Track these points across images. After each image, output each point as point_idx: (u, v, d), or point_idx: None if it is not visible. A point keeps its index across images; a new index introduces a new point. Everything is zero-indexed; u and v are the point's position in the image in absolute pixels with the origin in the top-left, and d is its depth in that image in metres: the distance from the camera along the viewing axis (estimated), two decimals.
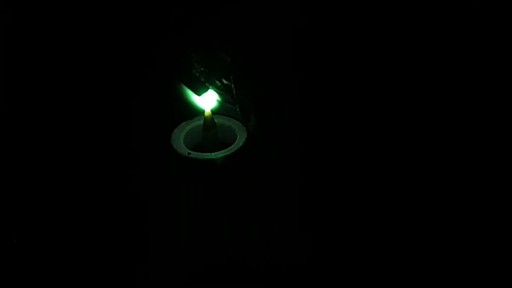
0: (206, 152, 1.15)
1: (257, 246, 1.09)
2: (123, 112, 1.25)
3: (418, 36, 1.24)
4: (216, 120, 1.18)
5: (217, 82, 1.19)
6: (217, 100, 1.20)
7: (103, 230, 1.12)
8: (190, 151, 1.14)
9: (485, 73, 1.24)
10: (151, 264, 1.08)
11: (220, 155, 1.13)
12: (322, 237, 1.11)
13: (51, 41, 1.29)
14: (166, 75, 1.23)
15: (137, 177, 1.17)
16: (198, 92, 1.19)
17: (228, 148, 1.14)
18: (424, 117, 1.23)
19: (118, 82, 1.27)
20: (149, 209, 1.14)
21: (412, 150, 1.20)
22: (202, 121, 1.18)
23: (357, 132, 1.22)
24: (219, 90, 1.20)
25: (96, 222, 1.13)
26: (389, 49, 1.24)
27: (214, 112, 1.18)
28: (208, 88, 1.19)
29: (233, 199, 1.13)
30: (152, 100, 1.25)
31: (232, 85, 1.16)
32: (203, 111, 1.17)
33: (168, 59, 1.23)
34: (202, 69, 1.19)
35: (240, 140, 1.16)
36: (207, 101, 1.18)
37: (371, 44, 1.24)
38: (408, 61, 1.24)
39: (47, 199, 1.17)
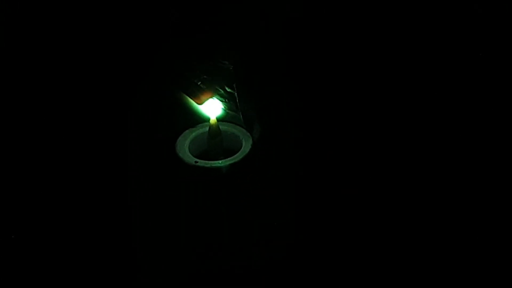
0: (211, 159, 1.15)
1: (257, 246, 1.10)
2: (124, 121, 1.25)
3: (418, 36, 1.24)
4: (220, 127, 1.18)
5: (221, 90, 1.19)
6: (221, 108, 1.20)
7: (104, 231, 1.12)
8: (197, 160, 1.13)
9: (485, 73, 1.24)
10: (151, 264, 1.08)
11: (227, 163, 1.12)
12: (322, 237, 1.11)
13: (51, 42, 1.29)
14: (167, 83, 1.23)
15: (142, 184, 1.16)
16: (200, 101, 1.19)
17: (235, 156, 1.14)
18: (424, 117, 1.23)
19: (118, 91, 1.27)
20: (150, 210, 1.14)
21: (412, 150, 1.20)
22: (205, 129, 1.18)
23: (357, 132, 1.22)
24: (222, 98, 1.19)
25: (97, 224, 1.13)
26: (389, 49, 1.24)
27: (218, 119, 1.18)
28: (210, 96, 1.19)
29: (233, 199, 1.13)
30: (153, 109, 1.25)
31: (235, 93, 1.16)
32: (208, 119, 1.17)
33: (169, 67, 1.23)
34: (204, 76, 1.19)
35: (246, 147, 1.15)
36: (212, 109, 1.18)
37: (372, 45, 1.24)
38: (408, 61, 1.24)
39: (47, 202, 1.17)
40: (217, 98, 1.19)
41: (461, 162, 1.18)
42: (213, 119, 1.16)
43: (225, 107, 1.20)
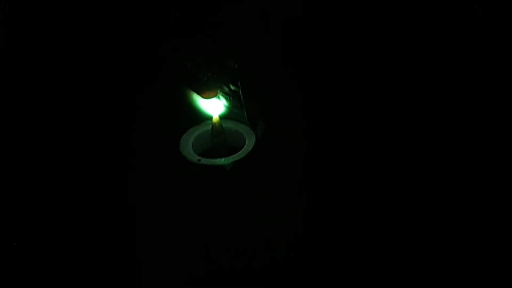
0: (215, 157, 1.14)
1: (257, 246, 1.09)
2: (128, 119, 1.25)
3: (418, 36, 1.24)
4: (224, 125, 1.18)
5: (225, 88, 1.19)
6: (225, 106, 1.20)
7: (104, 231, 1.12)
8: (199, 158, 1.13)
9: (485, 73, 1.24)
10: (151, 264, 1.08)
11: (230, 161, 1.12)
12: (322, 237, 1.11)
13: (52, 42, 1.29)
14: (170, 81, 1.23)
15: (143, 182, 1.16)
16: (206, 95, 1.18)
17: (238, 153, 1.14)
18: (424, 117, 1.23)
19: (121, 89, 1.27)
20: (150, 210, 1.14)
21: (412, 150, 1.20)
22: (209, 127, 1.18)
23: (357, 132, 1.22)
24: (226, 96, 1.19)
25: (97, 224, 1.13)
26: (389, 49, 1.24)
27: (221, 117, 1.18)
28: (216, 92, 1.19)
29: (233, 199, 1.13)
30: (157, 107, 1.25)
31: (240, 91, 1.16)
32: (211, 117, 1.17)
33: (172, 64, 1.22)
34: (210, 74, 1.19)
35: (249, 144, 1.15)
36: (214, 107, 1.18)
37: (372, 44, 1.24)
38: (408, 61, 1.24)
39: (48, 199, 1.17)
40: (221, 96, 1.19)
41: (461, 162, 1.18)
42: (215, 117, 1.16)
43: (229, 105, 1.19)
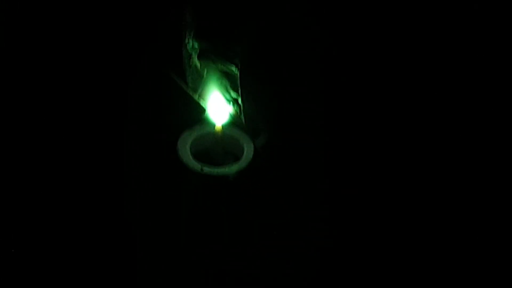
0: (212, 158, 1.13)
1: (257, 246, 1.10)
2: (122, 122, 1.25)
3: (418, 36, 1.24)
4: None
5: (226, 95, 1.18)
6: (228, 113, 1.18)
7: (104, 231, 1.12)
8: (203, 167, 1.11)
9: (485, 73, 1.24)
10: (151, 264, 1.08)
11: (234, 170, 1.11)
12: (321, 237, 1.11)
13: (50, 42, 1.29)
14: (162, 81, 1.23)
15: (143, 185, 1.16)
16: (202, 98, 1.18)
17: (241, 161, 1.12)
18: (424, 117, 1.23)
19: (116, 89, 1.27)
20: (150, 210, 1.14)
21: (412, 150, 1.20)
22: (204, 130, 1.16)
23: (357, 132, 1.22)
24: (227, 103, 1.19)
25: (97, 223, 1.14)
26: (389, 49, 1.24)
27: (224, 126, 1.17)
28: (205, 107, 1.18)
29: (233, 199, 1.13)
30: (152, 109, 1.25)
31: (240, 100, 1.15)
32: (208, 122, 1.16)
33: (168, 65, 1.23)
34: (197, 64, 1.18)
35: (249, 151, 1.14)
36: (218, 115, 1.16)
37: (372, 44, 1.24)
38: (408, 61, 1.24)
39: (49, 204, 1.17)
40: (223, 102, 1.18)
41: (461, 162, 1.18)
42: (218, 126, 1.15)
43: (232, 112, 1.18)
